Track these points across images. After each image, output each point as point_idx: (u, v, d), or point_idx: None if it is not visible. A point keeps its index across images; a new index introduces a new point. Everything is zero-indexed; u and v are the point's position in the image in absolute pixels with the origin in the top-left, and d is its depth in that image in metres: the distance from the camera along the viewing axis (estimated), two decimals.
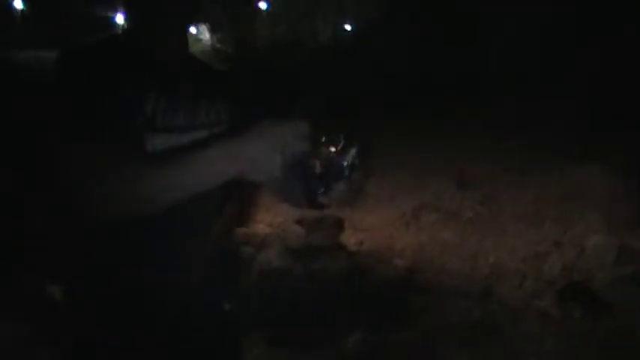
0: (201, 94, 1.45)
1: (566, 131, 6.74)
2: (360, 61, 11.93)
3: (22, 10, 22.28)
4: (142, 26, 1.43)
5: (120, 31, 1.46)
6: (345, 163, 1.31)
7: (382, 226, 5.77)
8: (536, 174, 5.95)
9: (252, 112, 1.50)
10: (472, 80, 9.93)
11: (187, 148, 1.28)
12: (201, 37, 14.54)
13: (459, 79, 10.00)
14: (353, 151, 1.32)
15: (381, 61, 11.56)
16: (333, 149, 1.31)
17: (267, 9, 15.49)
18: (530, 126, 7.38)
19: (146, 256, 1.34)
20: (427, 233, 5.47)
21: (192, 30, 15.58)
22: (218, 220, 1.51)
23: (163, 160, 1.24)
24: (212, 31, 14.49)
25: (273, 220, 5.53)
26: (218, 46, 14.37)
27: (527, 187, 5.82)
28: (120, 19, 18.89)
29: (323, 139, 1.32)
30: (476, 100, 8.84)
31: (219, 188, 1.29)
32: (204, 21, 14.42)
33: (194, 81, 1.44)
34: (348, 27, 15.34)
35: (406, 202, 6.12)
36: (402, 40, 11.89)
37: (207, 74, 1.55)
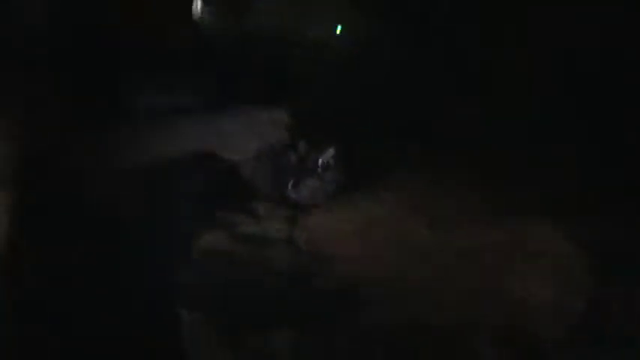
0: (189, 63, 1.45)
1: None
2: (353, 71, 11.81)
3: None
4: None
5: None
6: (320, 161, 1.32)
7: (336, 231, 5.79)
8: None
9: (238, 90, 1.51)
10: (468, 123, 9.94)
11: (162, 112, 1.29)
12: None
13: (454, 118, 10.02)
14: (330, 151, 1.33)
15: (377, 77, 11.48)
16: (310, 145, 1.32)
17: None
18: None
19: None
20: (375, 248, 5.51)
21: None
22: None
23: (135, 121, 1.25)
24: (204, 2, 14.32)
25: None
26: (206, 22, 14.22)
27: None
28: None
29: (302, 133, 1.33)
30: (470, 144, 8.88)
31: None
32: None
33: (191, 49, 1.44)
34: (338, 29, 15.23)
35: (366, 218, 6.15)
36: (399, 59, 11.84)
37: (206, 43, 1.55)
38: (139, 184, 1.27)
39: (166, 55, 1.34)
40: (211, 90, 1.47)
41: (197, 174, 1.36)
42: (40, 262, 1.29)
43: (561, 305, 4.35)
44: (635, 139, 6.43)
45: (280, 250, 4.48)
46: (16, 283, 1.29)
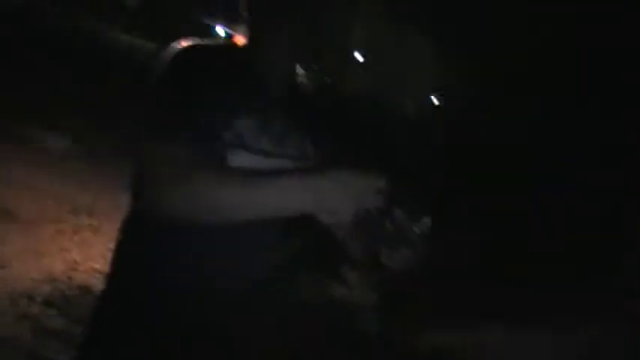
0: (295, 125, 1.46)
1: None
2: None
3: (133, 2, 23.25)
4: (259, 39, 1.43)
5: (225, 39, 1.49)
6: (417, 230, 1.29)
7: None
8: None
9: (337, 154, 1.51)
10: None
11: (266, 172, 1.31)
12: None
13: None
14: (427, 221, 1.29)
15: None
16: (406, 213, 1.29)
17: (363, 61, 15.56)
18: None
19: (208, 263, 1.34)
20: None
21: None
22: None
23: (241, 177, 1.26)
24: (305, 68, 14.67)
25: None
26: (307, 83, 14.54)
27: None
28: (219, 30, 19.50)
29: (399, 201, 1.30)
30: None
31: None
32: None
33: (292, 108, 1.45)
34: (435, 101, 15.27)
35: None
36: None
37: (307, 105, 1.55)
38: (234, 241, 1.29)
39: (269, 113, 1.37)
40: (311, 152, 1.49)
41: (294, 234, 1.37)
42: None
43: None
44: None
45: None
46: None
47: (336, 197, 1.24)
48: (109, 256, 1.44)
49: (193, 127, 1.25)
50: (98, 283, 3.45)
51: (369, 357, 3.59)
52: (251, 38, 1.43)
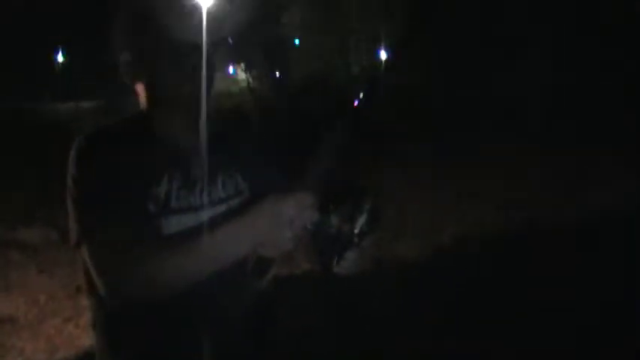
0: (219, 168, 1.46)
1: None
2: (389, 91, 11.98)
3: (62, 63, 22.93)
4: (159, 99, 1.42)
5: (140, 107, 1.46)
6: (356, 231, 1.30)
7: None
8: None
9: (271, 178, 1.51)
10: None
11: (199, 229, 1.31)
12: (238, 77, 14.77)
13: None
14: (362, 219, 1.30)
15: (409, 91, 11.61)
16: (342, 217, 1.30)
17: (297, 45, 15.56)
18: None
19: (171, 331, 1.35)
20: None
21: (230, 70, 15.80)
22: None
23: (175, 243, 1.27)
24: (247, 69, 14.67)
25: None
26: (253, 84, 14.55)
27: None
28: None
29: (331, 207, 1.31)
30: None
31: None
32: (239, 60, 14.63)
33: (213, 152, 1.43)
34: (383, 55, 15.26)
35: None
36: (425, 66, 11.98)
37: (229, 139, 1.54)
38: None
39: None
40: (244, 185, 1.49)
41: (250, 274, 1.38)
42: None
43: None
44: None
45: None
46: None
47: (270, 230, 1.25)
48: None
49: (119, 209, 1.25)
50: None
51: None
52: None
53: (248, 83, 14.52)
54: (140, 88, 1.45)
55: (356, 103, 1.34)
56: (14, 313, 4.11)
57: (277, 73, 14.97)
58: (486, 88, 11.39)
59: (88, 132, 1.35)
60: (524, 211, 5.96)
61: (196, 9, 1.40)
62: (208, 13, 1.39)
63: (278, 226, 1.25)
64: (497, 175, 7.51)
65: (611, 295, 3.83)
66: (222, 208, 1.42)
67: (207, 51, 1.37)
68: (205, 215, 1.38)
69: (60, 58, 22.97)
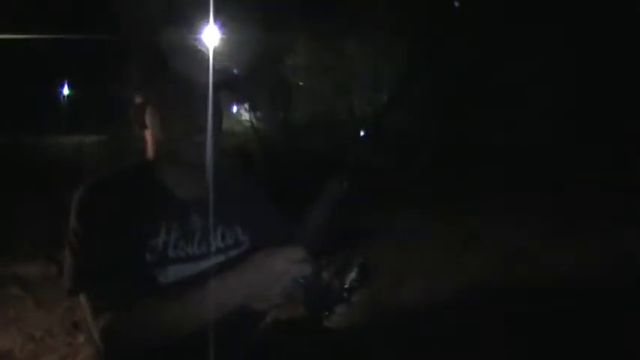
0: (219, 219, 1.48)
1: None
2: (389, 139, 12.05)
3: (68, 96, 22.99)
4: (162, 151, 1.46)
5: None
6: (346, 286, 1.32)
7: None
8: None
9: (271, 228, 1.52)
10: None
11: (195, 280, 1.35)
12: (242, 117, 14.83)
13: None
14: (352, 275, 1.33)
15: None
16: (332, 272, 1.33)
17: (301, 86, 15.66)
18: None
19: None
20: None
21: (234, 109, 15.90)
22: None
23: (171, 292, 1.29)
24: (251, 109, 14.74)
25: None
26: (257, 124, 14.60)
27: None
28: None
29: (323, 262, 1.34)
30: None
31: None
32: (243, 100, 14.72)
33: (213, 203, 1.46)
34: (384, 97, 15.35)
35: None
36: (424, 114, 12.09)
37: (231, 188, 1.56)
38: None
39: None
40: (243, 236, 1.51)
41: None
42: None
43: None
44: None
45: None
46: None
47: (261, 284, 1.27)
48: None
49: (117, 260, 1.28)
50: None
51: None
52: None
53: (252, 123, 14.57)
54: (147, 135, 1.47)
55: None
56: (11, 348, 4.08)
57: (281, 113, 15.02)
58: (487, 135, 11.44)
59: (89, 182, 1.39)
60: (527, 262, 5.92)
61: (206, 52, 1.44)
62: (215, 53, 1.42)
63: (267, 281, 1.27)
64: (500, 222, 7.46)
65: None
66: (220, 258, 1.44)
67: (216, 96, 1.40)
68: (203, 265, 1.40)
69: (66, 90, 23.06)
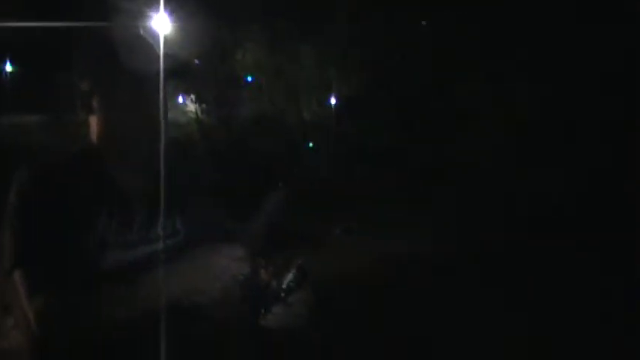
0: (159, 207, 1.48)
1: None
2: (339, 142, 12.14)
3: (10, 73, 22.26)
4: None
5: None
6: (283, 287, 1.35)
7: None
8: None
9: (209, 222, 1.53)
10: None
11: (133, 267, 1.36)
12: (187, 108, 14.66)
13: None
14: (290, 276, 1.35)
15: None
16: (270, 272, 1.35)
17: (251, 80, 15.59)
18: None
19: None
20: None
21: (180, 99, 15.74)
22: None
23: (109, 279, 1.29)
24: (198, 101, 14.60)
25: None
26: (202, 117, 14.47)
27: None
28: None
29: (262, 262, 1.35)
30: None
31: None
32: (190, 91, 14.57)
33: (155, 191, 1.45)
34: (333, 101, 15.41)
35: None
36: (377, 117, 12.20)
37: (172, 177, 1.55)
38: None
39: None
40: (182, 227, 1.51)
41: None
42: None
43: None
44: None
45: None
46: None
47: (203, 278, 1.27)
48: None
49: (56, 243, 1.27)
50: None
51: None
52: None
53: (197, 115, 14.43)
54: (93, 121, 1.46)
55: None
56: None
57: (227, 108, 14.93)
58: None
59: (31, 163, 1.36)
60: None
61: (156, 42, 1.43)
62: (165, 42, 1.42)
63: (207, 275, 1.28)
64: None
65: None
66: (158, 246, 1.43)
67: (164, 85, 1.40)
68: (142, 252, 1.40)
69: (8, 67, 22.33)
